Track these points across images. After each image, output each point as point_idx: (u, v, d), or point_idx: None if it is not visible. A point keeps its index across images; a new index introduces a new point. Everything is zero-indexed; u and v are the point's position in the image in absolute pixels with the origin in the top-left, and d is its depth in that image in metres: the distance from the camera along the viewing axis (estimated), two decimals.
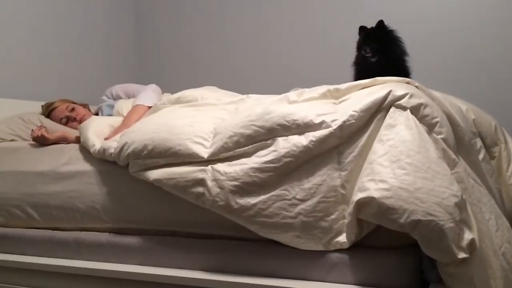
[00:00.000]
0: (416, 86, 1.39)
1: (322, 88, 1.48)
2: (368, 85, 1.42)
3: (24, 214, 1.78)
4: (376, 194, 1.12)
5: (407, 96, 1.28)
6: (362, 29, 1.95)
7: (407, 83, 1.39)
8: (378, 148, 1.21)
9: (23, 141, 2.09)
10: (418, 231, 1.09)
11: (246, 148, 1.36)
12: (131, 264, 1.52)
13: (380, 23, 1.87)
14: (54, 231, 1.71)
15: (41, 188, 1.75)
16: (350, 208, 1.21)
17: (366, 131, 1.27)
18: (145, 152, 1.48)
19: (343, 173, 1.26)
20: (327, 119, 1.29)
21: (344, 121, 1.26)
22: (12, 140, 2.10)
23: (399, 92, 1.29)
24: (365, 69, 1.90)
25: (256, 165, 1.31)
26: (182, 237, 1.50)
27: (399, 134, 1.21)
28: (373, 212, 1.13)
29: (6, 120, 2.17)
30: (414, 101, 1.27)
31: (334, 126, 1.27)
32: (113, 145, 1.62)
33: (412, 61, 2.16)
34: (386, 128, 1.23)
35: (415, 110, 1.27)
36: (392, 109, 1.27)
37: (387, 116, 1.26)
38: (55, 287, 1.60)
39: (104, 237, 1.60)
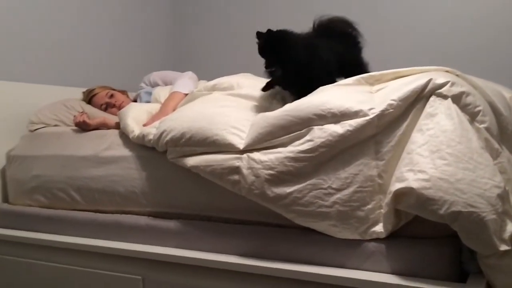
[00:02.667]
0: (457, 75, 1.35)
1: (356, 76, 1.46)
2: (406, 73, 1.40)
3: (67, 196, 1.85)
4: (415, 185, 1.10)
5: (448, 84, 1.24)
6: (259, 36, 1.54)
7: (447, 71, 1.36)
8: (417, 137, 1.19)
9: (65, 126, 2.16)
10: (458, 223, 1.07)
11: (281, 138, 1.36)
12: (169, 247, 1.56)
13: (268, 34, 1.50)
14: (96, 214, 1.77)
15: (84, 172, 1.81)
16: (387, 198, 1.19)
17: (405, 121, 1.25)
18: (183, 140, 1.51)
19: (381, 163, 1.25)
20: (364, 107, 1.28)
21: (383, 110, 1.24)
22: (55, 125, 2.18)
23: (440, 80, 1.25)
24: (272, 80, 1.64)
25: (291, 155, 1.31)
26: (218, 222, 1.53)
27: (439, 123, 1.18)
28: (412, 203, 1.12)
29: (50, 106, 2.24)
30: (456, 90, 1.24)
31: (372, 115, 1.25)
32: (152, 131, 1.65)
33: (456, 45, 2.08)
34: (426, 118, 1.21)
35: (457, 99, 1.23)
36: (433, 98, 1.24)
37: (427, 105, 1.23)
38: (97, 267, 1.66)
39: (143, 220, 1.65)
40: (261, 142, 1.38)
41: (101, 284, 1.63)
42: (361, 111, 1.27)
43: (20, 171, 2.02)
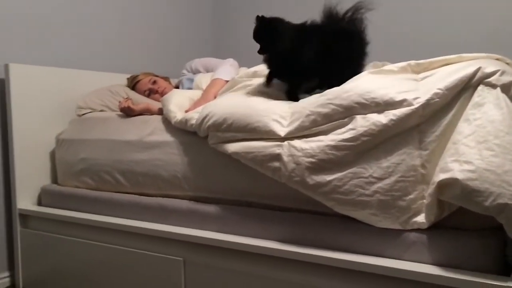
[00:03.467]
0: (507, 63, 1.30)
1: (402, 63, 1.43)
2: (454, 61, 1.36)
3: (113, 179, 1.92)
4: (460, 176, 1.08)
5: (498, 73, 1.21)
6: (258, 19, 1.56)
7: (497, 59, 1.31)
8: (463, 127, 1.16)
9: (111, 111, 2.23)
10: (504, 215, 1.05)
11: (323, 126, 1.36)
12: (209, 231, 1.60)
13: (259, 20, 1.53)
14: (140, 196, 1.83)
15: (129, 156, 1.87)
16: (430, 188, 1.18)
17: (451, 110, 1.23)
18: (224, 125, 1.53)
19: (424, 153, 1.23)
20: (409, 97, 1.26)
21: (428, 100, 1.22)
22: (101, 110, 2.25)
23: (489, 69, 1.22)
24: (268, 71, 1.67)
25: (332, 143, 1.31)
26: (258, 208, 1.55)
27: (487, 113, 1.15)
28: (456, 194, 1.10)
29: (96, 91, 2.32)
30: (505, 79, 1.20)
31: (416, 104, 1.23)
32: (194, 116, 1.68)
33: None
34: (473, 107, 1.18)
35: (506, 88, 1.20)
36: (481, 87, 1.21)
37: (475, 94, 1.20)
38: (140, 247, 1.72)
39: (184, 204, 1.69)
40: (303, 130, 1.38)
41: (144, 264, 1.70)
42: (405, 100, 1.25)
43: (68, 154, 2.11)
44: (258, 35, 1.54)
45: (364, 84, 1.36)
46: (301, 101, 1.48)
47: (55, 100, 2.24)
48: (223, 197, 1.63)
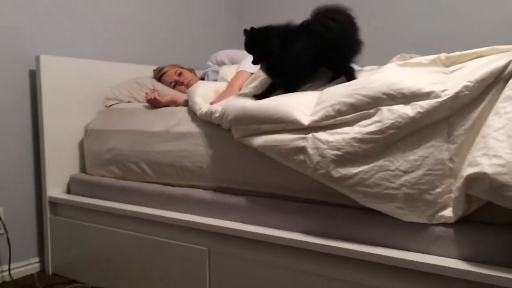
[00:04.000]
0: None
1: (432, 56, 1.41)
2: (485, 53, 1.33)
3: (139, 169, 1.96)
4: (489, 170, 1.06)
5: None
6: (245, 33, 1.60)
7: None
8: (494, 121, 1.14)
9: (138, 102, 2.27)
10: None
11: (348, 116, 1.35)
12: (234, 221, 1.62)
13: (246, 32, 1.57)
14: (165, 186, 1.86)
15: (155, 147, 1.90)
16: (458, 182, 1.16)
17: (481, 103, 1.20)
18: (245, 118, 1.53)
19: (453, 146, 1.21)
20: (437, 89, 1.24)
21: (457, 92, 1.20)
22: (128, 102, 2.29)
23: None
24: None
25: (358, 136, 1.30)
26: (281, 199, 1.56)
27: None
28: (485, 189, 1.08)
29: (124, 83, 2.36)
30: None
31: (445, 96, 1.21)
32: (218, 109, 1.70)
33: None
34: (505, 100, 1.15)
35: None
36: None
37: (506, 87, 1.17)
38: (166, 236, 1.75)
39: (209, 194, 1.71)
40: (327, 119, 1.37)
41: (169, 253, 1.73)
42: (433, 92, 1.23)
43: (96, 144, 2.16)
44: (249, 46, 1.58)
45: (391, 75, 1.35)
46: (325, 90, 1.47)
47: (84, 91, 2.29)
48: (246, 188, 1.64)
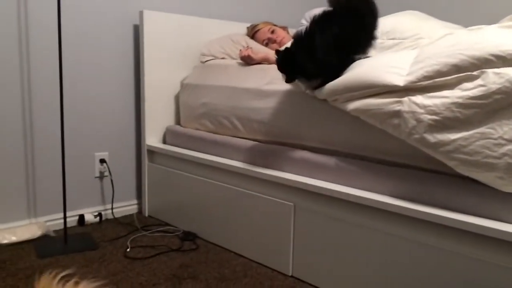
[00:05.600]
0: None
1: None
2: None
3: (230, 124, 2.04)
4: None
5: None
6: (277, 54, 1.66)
7: None
8: None
9: (231, 59, 2.32)
10: None
11: (448, 78, 1.27)
12: (324, 181, 1.64)
13: (277, 53, 1.64)
14: (255, 142, 1.92)
15: (246, 103, 1.96)
16: None
17: None
18: (339, 89, 1.51)
19: None
20: None
21: None
22: (223, 58, 2.35)
23: None
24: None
25: (460, 100, 1.23)
26: (372, 162, 1.55)
27: None
28: None
29: (218, 39, 2.42)
30: None
31: None
32: None
33: None
34: None
35: None
36: None
37: None
38: (254, 189, 1.83)
39: (299, 153, 1.74)
40: (425, 80, 1.31)
41: (256, 206, 1.81)
42: None
43: (191, 98, 2.26)
44: (281, 67, 1.63)
45: (497, 36, 1.24)
46: (424, 49, 1.40)
47: (182, 46, 2.39)
48: (338, 149, 1.64)
